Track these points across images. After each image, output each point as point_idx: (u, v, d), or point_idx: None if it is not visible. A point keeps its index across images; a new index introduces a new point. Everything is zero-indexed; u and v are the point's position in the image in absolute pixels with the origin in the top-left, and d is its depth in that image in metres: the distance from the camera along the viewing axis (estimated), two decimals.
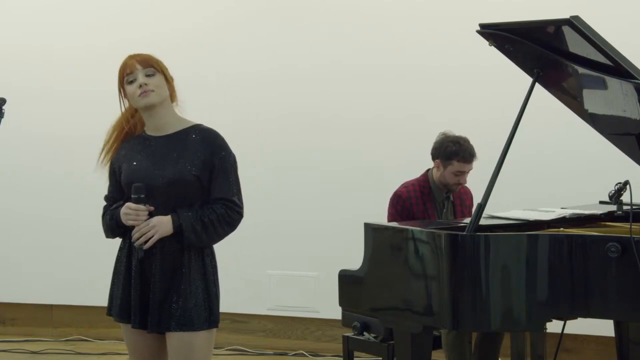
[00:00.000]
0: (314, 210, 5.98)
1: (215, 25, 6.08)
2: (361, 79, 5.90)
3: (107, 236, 3.40)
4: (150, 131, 3.33)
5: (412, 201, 4.76)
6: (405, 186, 4.84)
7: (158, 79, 3.26)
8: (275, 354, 6.05)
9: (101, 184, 6.42)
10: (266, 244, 5.97)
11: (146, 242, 3.19)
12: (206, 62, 6.02)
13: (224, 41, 6.06)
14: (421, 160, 5.01)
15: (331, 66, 5.96)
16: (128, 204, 3.22)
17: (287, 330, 6.12)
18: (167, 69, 3.31)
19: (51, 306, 6.43)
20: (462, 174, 4.72)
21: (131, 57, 3.32)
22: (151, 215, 3.21)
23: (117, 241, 6.28)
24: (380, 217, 4.71)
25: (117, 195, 3.36)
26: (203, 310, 3.23)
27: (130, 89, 3.27)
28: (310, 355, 6.01)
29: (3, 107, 3.27)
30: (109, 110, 6.68)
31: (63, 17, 6.33)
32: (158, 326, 3.23)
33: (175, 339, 3.23)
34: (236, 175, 3.30)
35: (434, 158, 4.79)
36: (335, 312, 4.66)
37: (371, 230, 3.92)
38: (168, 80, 3.29)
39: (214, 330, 3.29)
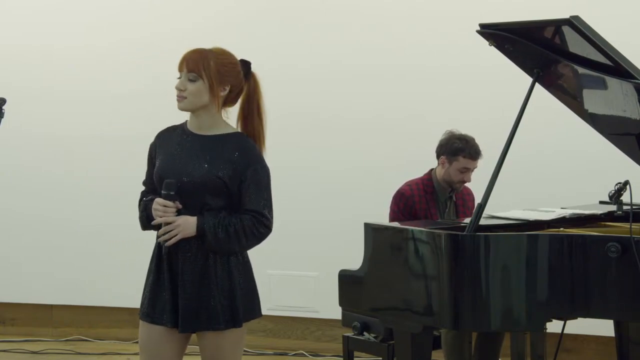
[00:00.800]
0: (314, 210, 5.98)
1: (215, 25, 6.07)
2: (361, 79, 5.90)
3: (142, 228, 3.36)
4: (191, 127, 3.30)
5: (415, 199, 4.76)
6: (409, 184, 4.84)
7: (198, 85, 3.20)
8: (275, 354, 6.05)
9: (101, 184, 6.45)
10: (266, 244, 5.93)
11: (170, 238, 3.17)
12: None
13: (224, 41, 5.98)
14: (421, 160, 5.01)
15: (331, 66, 5.96)
16: (158, 199, 3.20)
17: (287, 330, 6.12)
18: (219, 73, 3.23)
19: (51, 306, 6.43)
20: (467, 171, 4.73)
21: (189, 52, 3.27)
22: (179, 213, 3.19)
23: (117, 241, 6.29)
24: (380, 217, 4.70)
25: (152, 183, 3.33)
26: (229, 310, 3.21)
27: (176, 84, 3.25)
28: (310, 355, 6.01)
29: (3, 107, 3.27)
30: (109, 110, 6.71)
31: (63, 17, 6.32)
32: (188, 326, 3.21)
33: (204, 338, 3.23)
34: (269, 190, 3.27)
35: (439, 155, 4.79)
36: (335, 312, 4.66)
37: (371, 230, 3.93)
38: (213, 87, 3.21)
39: (243, 329, 3.26)
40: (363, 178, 5.88)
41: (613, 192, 3.97)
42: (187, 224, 3.17)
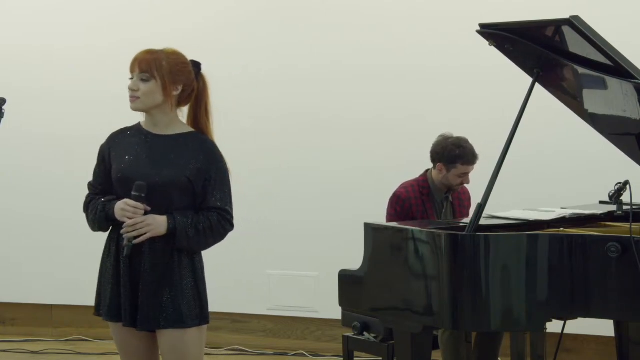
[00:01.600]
0: (314, 210, 5.98)
1: (215, 25, 6.08)
2: (361, 79, 5.90)
3: (93, 229, 3.37)
4: (147, 126, 3.32)
5: (411, 202, 4.76)
6: (405, 187, 4.84)
7: (151, 85, 3.23)
8: (275, 354, 6.05)
9: None
10: (266, 244, 5.97)
11: (137, 237, 3.17)
12: (206, 62, 5.98)
13: (224, 41, 6.06)
14: (421, 160, 5.01)
15: (331, 66, 5.96)
16: (127, 200, 3.20)
17: (287, 330, 6.12)
18: (172, 72, 3.24)
19: (51, 306, 6.43)
20: (466, 175, 4.74)
21: (141, 53, 3.31)
22: (146, 214, 3.20)
23: None
24: (381, 217, 4.71)
25: (104, 185, 3.33)
26: (194, 307, 3.23)
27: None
28: (310, 355, 6.01)
29: (3, 107, 3.27)
30: (109, 110, 6.70)
31: (63, 17, 6.32)
32: (148, 324, 3.22)
33: (166, 337, 3.23)
34: (229, 187, 3.31)
35: (435, 161, 4.78)
36: (335, 312, 4.66)
37: (371, 230, 3.93)
38: (165, 87, 3.23)
39: (205, 327, 3.29)
40: (363, 178, 5.87)
41: (613, 192, 3.97)
42: (157, 223, 3.18)
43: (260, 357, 6.02)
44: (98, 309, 3.35)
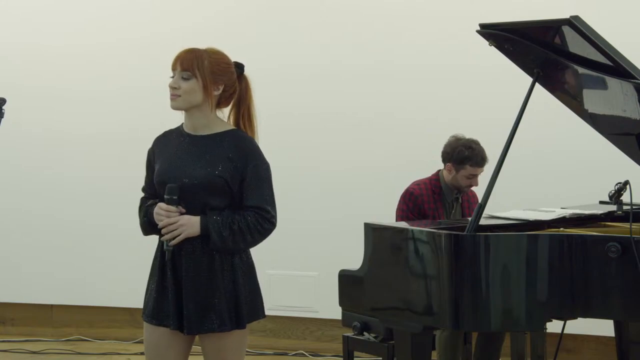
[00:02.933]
0: (314, 210, 5.98)
1: (215, 25, 6.07)
2: (361, 79, 5.90)
3: (143, 234, 3.36)
4: (187, 128, 3.30)
5: (423, 199, 4.78)
6: (417, 184, 4.85)
7: (192, 84, 3.20)
8: (275, 354, 6.05)
9: (101, 184, 6.45)
10: (266, 244, 5.95)
11: (173, 238, 3.16)
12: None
13: (224, 41, 5.98)
14: (421, 160, 5.01)
15: (331, 66, 5.96)
16: (160, 204, 3.19)
17: (287, 330, 6.12)
18: (213, 72, 3.23)
19: (51, 306, 6.43)
20: (475, 177, 4.75)
21: (183, 51, 3.26)
22: (186, 208, 3.18)
23: (117, 241, 6.29)
24: (381, 217, 4.70)
25: (152, 189, 3.32)
26: (233, 311, 3.20)
27: (169, 83, 3.23)
28: (310, 355, 6.01)
29: (3, 107, 3.27)
30: (109, 110, 6.71)
31: (63, 17, 6.33)
32: (194, 328, 3.19)
33: (208, 340, 3.22)
34: (270, 184, 3.26)
35: (445, 162, 4.80)
36: (335, 312, 4.66)
37: (371, 230, 3.92)
38: (206, 86, 3.21)
39: (245, 331, 3.25)
40: (363, 178, 5.88)
41: (613, 192, 3.97)
42: (191, 224, 3.16)
43: (260, 357, 6.02)
44: (145, 312, 3.32)
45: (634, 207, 3.83)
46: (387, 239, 3.91)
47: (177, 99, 3.21)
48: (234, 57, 5.52)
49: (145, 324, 3.30)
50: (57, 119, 6.32)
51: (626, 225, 3.78)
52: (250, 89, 3.39)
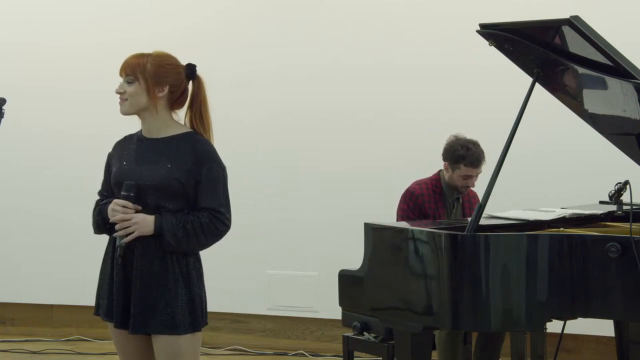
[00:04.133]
0: (314, 210, 5.98)
1: (215, 25, 6.08)
2: (361, 79, 5.90)
3: (94, 232, 3.38)
4: (143, 132, 3.33)
5: (424, 198, 4.78)
6: (418, 183, 4.85)
7: (135, 87, 3.23)
8: (275, 354, 6.05)
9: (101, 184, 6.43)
10: (266, 244, 5.98)
11: (126, 235, 3.17)
12: (206, 62, 5.93)
13: (224, 41, 6.06)
14: (421, 160, 5.01)
15: (331, 66, 5.96)
16: (116, 200, 3.21)
17: (287, 330, 6.12)
18: (155, 74, 3.24)
19: (51, 306, 6.43)
20: (470, 177, 4.74)
21: (127, 58, 3.32)
22: (142, 210, 3.20)
23: None
24: (381, 217, 4.70)
25: (108, 191, 3.36)
26: (187, 314, 3.19)
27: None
28: (310, 355, 6.01)
29: (3, 107, 3.27)
30: (109, 110, 6.67)
31: (63, 17, 6.33)
32: (139, 327, 3.20)
33: (159, 342, 3.21)
34: (225, 187, 3.26)
35: (443, 159, 4.81)
36: (335, 312, 4.66)
37: (371, 230, 3.92)
38: (149, 88, 3.22)
39: (199, 333, 3.25)
40: (363, 178, 5.88)
41: (613, 192, 3.96)
42: (145, 222, 3.17)
43: (260, 357, 6.02)
44: (97, 308, 3.36)
45: (634, 207, 3.83)
46: (387, 239, 3.90)
47: (124, 103, 3.25)
48: (234, 57, 5.56)
49: (107, 323, 3.31)
50: (57, 119, 6.32)
51: (626, 225, 3.78)
52: (204, 89, 3.35)
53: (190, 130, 3.30)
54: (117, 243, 3.19)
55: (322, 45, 5.97)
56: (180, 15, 6.15)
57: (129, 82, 3.24)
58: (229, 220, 3.26)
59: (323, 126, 5.98)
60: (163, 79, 3.26)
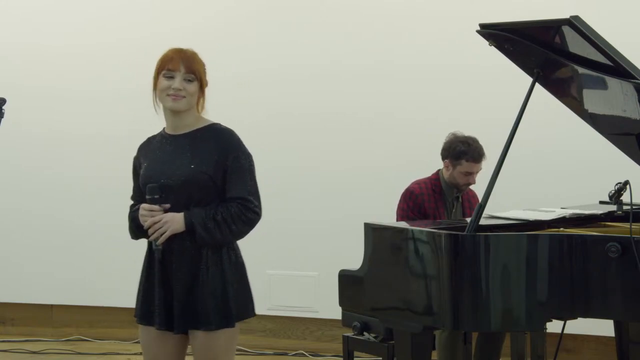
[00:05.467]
0: (314, 210, 5.98)
1: (215, 25, 6.08)
2: (361, 79, 5.90)
3: (132, 237, 3.39)
4: (169, 129, 3.33)
5: (424, 198, 4.78)
6: (418, 183, 4.85)
7: (195, 86, 3.25)
8: (275, 354, 6.05)
9: (101, 184, 6.45)
10: (266, 244, 5.97)
11: (160, 237, 3.19)
12: (206, 62, 6.00)
13: (224, 41, 6.06)
14: (421, 160, 5.01)
15: (331, 66, 5.96)
16: (143, 205, 3.23)
17: (287, 330, 6.12)
18: (205, 73, 3.30)
19: (51, 306, 6.43)
20: (471, 174, 4.74)
21: (178, 52, 3.28)
22: (176, 207, 3.21)
23: (117, 241, 6.27)
24: (381, 217, 4.70)
25: (139, 196, 3.35)
26: (222, 309, 3.22)
27: (164, 83, 3.24)
28: (310, 355, 6.01)
29: (3, 107, 3.27)
30: (109, 110, 6.71)
31: (63, 17, 6.33)
32: (184, 325, 3.22)
33: (197, 338, 3.23)
34: (252, 175, 3.29)
35: (443, 158, 4.81)
36: (335, 312, 4.66)
37: (371, 230, 3.92)
38: (202, 87, 3.28)
39: (235, 329, 3.26)
40: (363, 178, 5.88)
41: (613, 192, 3.96)
42: (175, 220, 3.18)
43: (260, 357, 6.02)
44: (136, 312, 3.35)
45: (634, 207, 3.83)
46: (387, 239, 3.90)
47: (182, 100, 3.24)
48: (234, 57, 5.56)
49: (139, 325, 3.32)
50: (57, 119, 6.32)
51: (626, 225, 3.78)
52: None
53: (212, 122, 3.32)
54: (154, 247, 3.22)
55: (322, 45, 5.97)
56: (180, 15, 6.15)
57: (189, 80, 3.24)
58: (259, 208, 3.28)
59: (323, 126, 5.99)
60: (206, 79, 3.31)
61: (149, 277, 3.28)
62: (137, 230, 3.31)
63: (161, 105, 3.29)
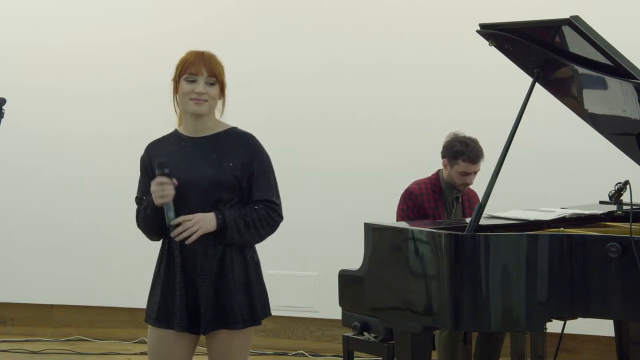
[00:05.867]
0: (314, 210, 5.98)
1: (215, 25, 6.08)
2: (361, 79, 5.90)
3: (151, 237, 3.33)
4: (187, 132, 3.31)
5: (423, 198, 4.78)
6: (417, 183, 4.85)
7: (216, 89, 3.26)
8: (275, 354, 6.05)
9: (101, 184, 6.45)
10: (266, 244, 5.94)
11: (188, 237, 3.16)
12: None
13: (223, 41, 6.05)
14: (421, 160, 5.01)
15: (331, 66, 5.96)
16: (153, 181, 3.18)
17: (287, 330, 6.12)
18: (224, 75, 3.31)
19: (51, 306, 6.43)
20: (468, 174, 4.74)
21: (199, 55, 3.28)
22: (199, 208, 3.19)
23: (117, 241, 6.28)
24: (381, 217, 4.70)
25: (148, 194, 3.29)
26: (249, 308, 3.23)
27: (186, 88, 3.23)
28: (310, 355, 6.01)
29: (3, 107, 3.27)
30: (109, 110, 6.72)
31: (63, 17, 6.33)
32: (211, 327, 3.20)
33: (219, 338, 3.23)
34: (275, 178, 3.32)
35: (442, 157, 4.82)
36: (335, 312, 4.66)
37: (371, 230, 3.92)
38: (223, 90, 3.30)
39: (253, 328, 3.27)
40: (363, 178, 5.88)
41: (613, 192, 3.97)
42: (206, 220, 3.17)
43: (260, 357, 6.02)
44: (148, 315, 3.31)
45: (634, 207, 3.83)
46: (387, 239, 3.90)
47: (204, 104, 3.24)
48: (234, 57, 5.53)
49: (150, 327, 3.29)
50: (57, 119, 6.32)
51: (626, 225, 3.78)
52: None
53: (231, 126, 3.34)
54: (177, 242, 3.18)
55: (322, 45, 5.97)
56: (180, 15, 6.15)
57: (211, 84, 3.25)
58: (281, 209, 3.32)
59: (323, 126, 5.99)
60: (225, 83, 3.33)
61: (168, 280, 3.24)
62: (153, 215, 3.22)
63: (179, 108, 3.30)
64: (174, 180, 3.17)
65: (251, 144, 3.29)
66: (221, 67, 3.30)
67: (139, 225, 3.34)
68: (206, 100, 3.23)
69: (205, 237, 3.19)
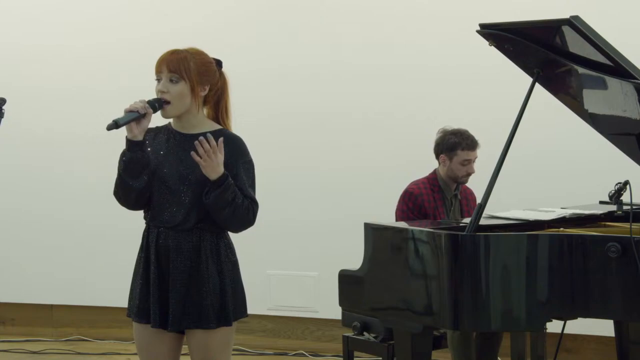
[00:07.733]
0: (314, 210, 5.98)
1: (215, 25, 6.08)
2: (361, 79, 5.90)
3: (127, 203, 3.38)
4: (177, 127, 3.31)
5: (423, 198, 4.79)
6: (416, 183, 4.86)
7: (180, 87, 3.19)
8: (275, 354, 6.05)
9: (101, 184, 6.45)
10: (266, 244, 5.97)
11: (128, 122, 3.16)
12: None
13: (223, 41, 6.05)
14: (421, 160, 5.01)
15: (331, 66, 5.96)
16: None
17: (287, 330, 6.12)
18: (200, 73, 3.22)
19: (51, 306, 6.44)
20: (469, 162, 4.75)
21: (167, 53, 3.24)
22: (175, 204, 3.20)
23: (117, 241, 6.27)
24: (380, 217, 4.70)
25: None
26: (219, 308, 3.21)
27: (156, 87, 3.22)
28: (310, 355, 6.01)
29: (3, 107, 3.27)
30: (110, 110, 6.68)
31: (63, 17, 6.33)
32: (178, 324, 3.21)
33: (193, 337, 3.23)
34: (255, 183, 3.32)
35: (438, 154, 4.82)
36: (335, 312, 4.66)
37: (371, 230, 3.92)
38: (194, 88, 3.20)
39: (231, 328, 3.26)
40: (363, 178, 5.88)
41: (613, 192, 3.97)
42: (220, 167, 3.13)
43: (260, 357, 6.02)
44: (130, 310, 3.33)
45: (634, 207, 3.83)
46: (387, 239, 3.90)
47: (167, 107, 3.19)
48: (234, 57, 5.52)
49: (134, 322, 3.31)
50: (57, 119, 6.32)
51: (626, 225, 3.78)
52: (228, 84, 3.38)
53: (220, 127, 3.31)
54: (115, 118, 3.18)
55: (322, 45, 5.97)
56: (180, 15, 6.15)
57: (173, 81, 3.19)
58: (256, 214, 3.30)
59: (323, 126, 5.99)
60: (205, 78, 3.25)
61: (145, 274, 3.26)
62: (130, 168, 3.25)
63: None
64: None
65: (238, 148, 3.26)
66: (192, 63, 3.20)
67: (118, 197, 3.40)
68: (168, 102, 3.18)
69: (180, 234, 3.20)
